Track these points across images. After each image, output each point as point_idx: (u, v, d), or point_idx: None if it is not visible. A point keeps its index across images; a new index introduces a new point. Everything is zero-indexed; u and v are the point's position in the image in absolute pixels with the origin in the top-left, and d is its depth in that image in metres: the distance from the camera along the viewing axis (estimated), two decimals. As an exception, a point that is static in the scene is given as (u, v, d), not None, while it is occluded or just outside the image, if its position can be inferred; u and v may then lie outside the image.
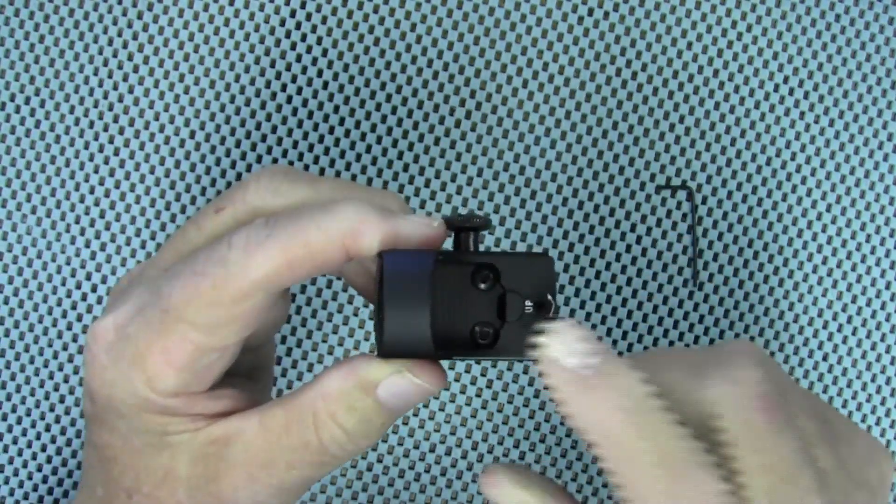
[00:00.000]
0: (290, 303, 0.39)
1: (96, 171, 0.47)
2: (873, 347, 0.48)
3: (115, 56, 0.47)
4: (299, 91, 0.47)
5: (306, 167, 0.47)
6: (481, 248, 0.33)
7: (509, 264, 0.31)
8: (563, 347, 0.28)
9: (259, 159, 0.47)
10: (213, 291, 0.31)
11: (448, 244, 0.33)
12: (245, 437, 0.32)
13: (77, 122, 0.47)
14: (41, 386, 0.47)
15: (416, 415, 0.48)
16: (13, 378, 0.47)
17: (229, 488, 0.32)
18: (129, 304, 0.33)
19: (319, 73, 0.47)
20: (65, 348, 0.47)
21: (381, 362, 0.31)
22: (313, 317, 0.48)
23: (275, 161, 0.47)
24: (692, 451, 0.28)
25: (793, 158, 0.48)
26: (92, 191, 0.47)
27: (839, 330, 0.48)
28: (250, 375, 0.37)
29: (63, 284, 0.47)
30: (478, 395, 0.48)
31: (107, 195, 0.47)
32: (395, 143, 0.47)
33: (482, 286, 0.31)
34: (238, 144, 0.47)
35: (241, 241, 0.31)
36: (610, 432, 0.28)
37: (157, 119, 0.47)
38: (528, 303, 0.31)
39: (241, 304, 0.31)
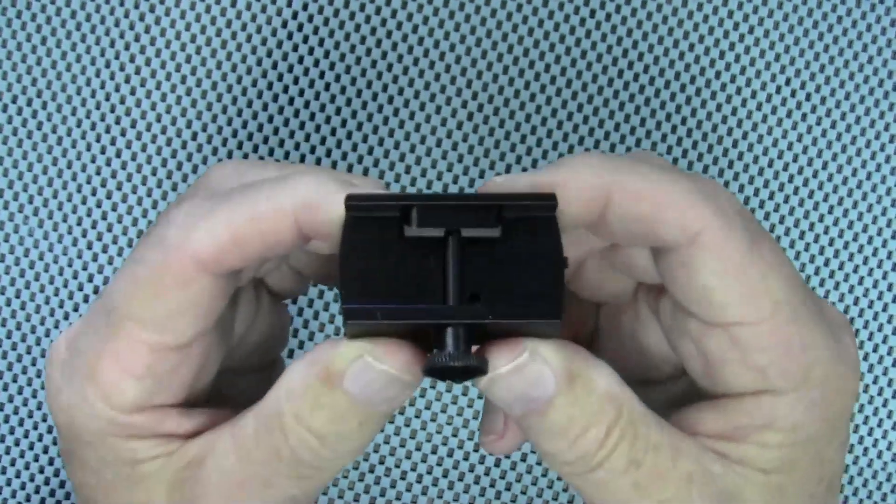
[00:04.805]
0: (289, 318, 0.35)
1: (98, 173, 0.47)
2: (875, 349, 0.48)
3: (116, 58, 0.47)
4: (301, 93, 0.47)
5: (308, 169, 0.47)
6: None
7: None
8: None
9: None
10: (154, 278, 0.27)
11: None
12: (217, 455, 0.28)
13: (79, 123, 0.47)
14: (43, 388, 0.47)
15: (417, 416, 0.48)
16: (15, 380, 0.47)
17: None
18: (82, 318, 0.29)
19: (322, 75, 0.47)
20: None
21: (347, 345, 0.27)
22: (315, 318, 0.48)
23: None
24: None
25: (795, 160, 0.48)
26: (94, 192, 0.47)
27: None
28: None
29: (65, 286, 0.47)
30: (479, 398, 0.48)
31: (108, 196, 0.47)
32: (396, 146, 0.47)
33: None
34: (240, 146, 0.47)
35: (180, 217, 0.27)
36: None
37: (158, 121, 0.47)
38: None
39: (188, 289, 0.27)
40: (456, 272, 0.26)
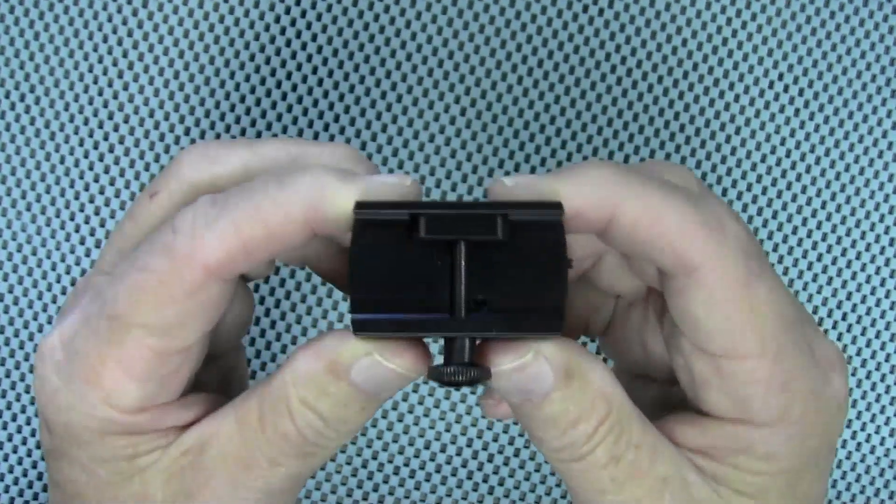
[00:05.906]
0: (254, 302, 0.35)
1: (91, 168, 0.47)
2: (873, 356, 0.49)
3: (109, 53, 0.46)
4: (294, 88, 0.47)
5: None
6: None
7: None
8: None
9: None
10: (162, 288, 0.27)
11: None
12: (221, 439, 0.29)
13: (72, 118, 0.46)
14: (29, 391, 0.47)
15: (416, 424, 0.48)
16: (13, 387, 0.47)
17: (212, 500, 0.28)
18: (74, 315, 0.29)
19: (315, 70, 0.47)
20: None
21: (355, 341, 0.27)
22: (292, 310, 0.48)
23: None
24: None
25: (793, 167, 0.48)
26: (87, 188, 0.47)
27: (839, 339, 0.48)
28: (223, 391, 0.33)
29: (58, 281, 0.47)
30: (473, 393, 0.48)
31: (101, 192, 0.47)
32: (395, 153, 0.47)
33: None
34: (235, 147, 0.47)
35: (186, 224, 0.27)
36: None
37: (151, 116, 0.47)
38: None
39: (196, 296, 0.27)
40: (463, 279, 0.26)
